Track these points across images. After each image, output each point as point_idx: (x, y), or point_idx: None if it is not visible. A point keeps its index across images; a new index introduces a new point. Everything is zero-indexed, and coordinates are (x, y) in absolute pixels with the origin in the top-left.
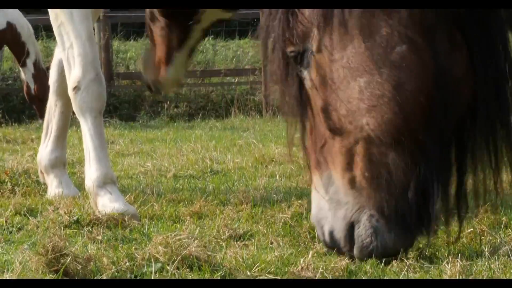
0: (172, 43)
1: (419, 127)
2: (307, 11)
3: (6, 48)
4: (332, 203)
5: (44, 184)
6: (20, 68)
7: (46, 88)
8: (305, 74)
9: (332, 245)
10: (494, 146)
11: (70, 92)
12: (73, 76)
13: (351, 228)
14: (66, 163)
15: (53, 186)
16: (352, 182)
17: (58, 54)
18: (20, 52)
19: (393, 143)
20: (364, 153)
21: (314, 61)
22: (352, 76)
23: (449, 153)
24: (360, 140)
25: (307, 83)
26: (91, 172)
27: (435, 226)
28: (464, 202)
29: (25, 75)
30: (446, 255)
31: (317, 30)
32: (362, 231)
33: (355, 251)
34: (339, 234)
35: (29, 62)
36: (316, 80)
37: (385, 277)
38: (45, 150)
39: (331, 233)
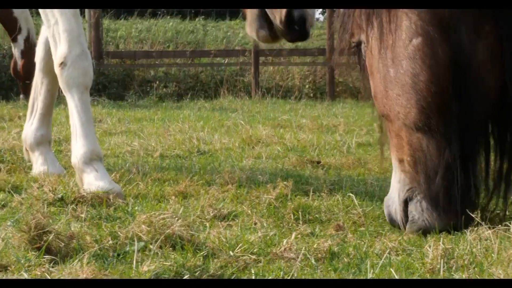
0: None
1: (441, 114)
2: (358, 10)
3: None
4: (395, 182)
5: (29, 162)
6: (12, 44)
7: (32, 65)
8: (367, 64)
9: (394, 223)
10: None
11: (56, 68)
12: (59, 52)
13: (405, 205)
14: (52, 141)
15: (38, 164)
16: (402, 165)
17: (44, 32)
18: (12, 28)
19: (422, 130)
20: (405, 139)
21: (366, 52)
22: (385, 67)
23: (481, 137)
24: (402, 126)
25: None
26: (78, 148)
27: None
28: (505, 182)
29: (15, 50)
30: (429, 238)
31: (365, 25)
32: (412, 209)
33: (407, 226)
34: (398, 211)
35: (20, 39)
36: (368, 69)
37: (367, 259)
38: (30, 127)
39: (395, 210)
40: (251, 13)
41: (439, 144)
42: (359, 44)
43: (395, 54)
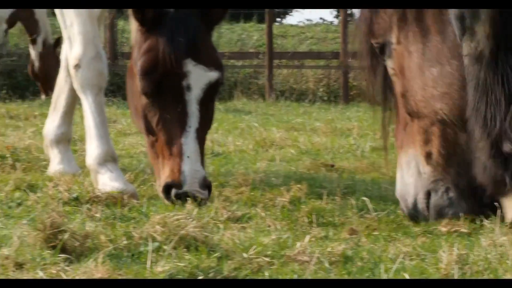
0: None
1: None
2: (387, 10)
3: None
4: (413, 175)
5: (47, 159)
6: (30, 45)
7: (50, 67)
8: (388, 63)
9: (416, 214)
10: None
11: (71, 70)
12: (74, 53)
13: (428, 195)
14: (71, 139)
15: (55, 162)
16: (428, 158)
17: None
18: (33, 29)
19: (463, 125)
20: (439, 133)
21: (395, 52)
22: (426, 66)
23: None
24: (435, 122)
25: (390, 71)
26: (92, 149)
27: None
28: None
29: (33, 52)
30: (443, 244)
31: (396, 25)
32: (440, 201)
33: (431, 215)
34: (420, 200)
35: (39, 40)
36: (396, 69)
37: (381, 264)
38: (51, 124)
39: (415, 202)
40: None
41: (483, 133)
42: (383, 45)
43: (443, 54)
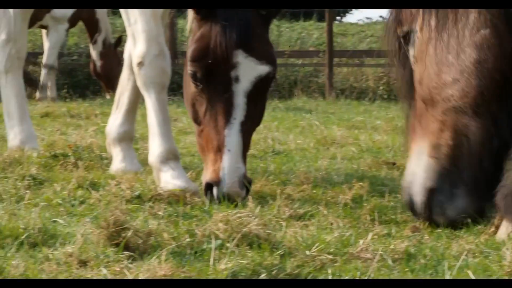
0: None
1: (494, 101)
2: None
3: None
4: (421, 166)
5: (110, 156)
6: (91, 45)
7: (112, 66)
8: (411, 52)
9: (414, 207)
10: None
11: (135, 68)
12: (137, 51)
13: (431, 192)
14: (134, 138)
15: (117, 160)
16: (437, 150)
17: None
18: (94, 29)
19: (473, 115)
20: (450, 123)
21: (417, 39)
22: (442, 53)
23: None
24: (447, 111)
25: (412, 60)
26: (155, 147)
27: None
28: None
29: (93, 52)
30: (506, 241)
31: (420, 13)
32: (442, 197)
33: (436, 214)
34: (420, 201)
35: (99, 40)
36: (417, 56)
37: (444, 261)
38: (114, 122)
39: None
40: None
41: (489, 130)
42: (407, 33)
43: (459, 41)
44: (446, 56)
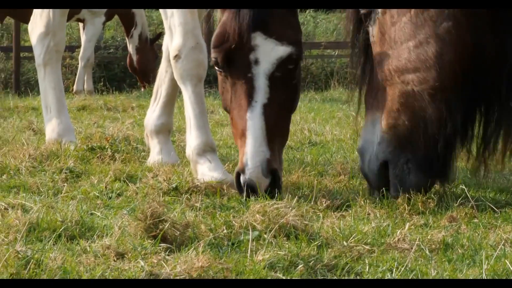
0: None
1: (451, 89)
2: None
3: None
4: (375, 135)
5: (147, 149)
6: (127, 39)
7: (148, 60)
8: (370, 30)
9: (367, 173)
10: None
11: (172, 60)
12: (174, 44)
13: (384, 166)
14: (172, 130)
15: (155, 153)
16: (392, 127)
17: None
18: (129, 23)
19: (430, 101)
20: (407, 104)
21: (378, 20)
22: (404, 39)
23: (474, 115)
24: (405, 93)
25: (371, 38)
26: (192, 140)
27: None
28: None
29: (130, 46)
30: None
31: None
32: (398, 171)
33: (391, 187)
34: (372, 170)
35: (135, 34)
36: (376, 36)
37: (482, 251)
38: (152, 114)
39: (369, 164)
40: None
41: (443, 116)
42: (370, 13)
43: (422, 31)
44: (408, 43)
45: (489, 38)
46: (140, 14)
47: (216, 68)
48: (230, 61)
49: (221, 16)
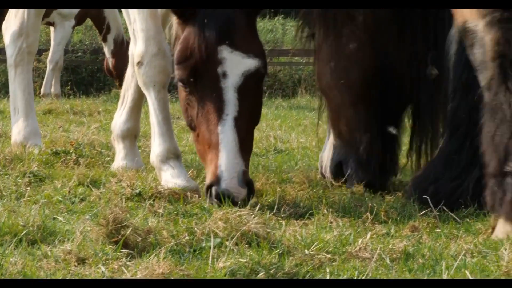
0: None
1: (366, 101)
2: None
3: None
4: (330, 145)
5: (111, 154)
6: (103, 43)
7: (124, 64)
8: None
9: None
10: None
11: (135, 67)
12: (137, 51)
13: (339, 165)
14: (138, 135)
15: (119, 158)
16: (338, 134)
17: None
18: (101, 27)
19: (354, 110)
20: (343, 114)
21: (316, 42)
22: (327, 59)
23: (398, 123)
24: (337, 105)
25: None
26: (155, 147)
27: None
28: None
29: (106, 50)
30: (504, 241)
31: (318, 17)
32: (348, 169)
33: (347, 182)
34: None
35: (110, 38)
36: (315, 56)
37: (442, 261)
38: (119, 118)
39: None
40: None
41: (367, 121)
42: (312, 35)
43: (337, 51)
44: (330, 62)
45: (396, 54)
46: (114, 18)
47: (181, 84)
48: (197, 76)
49: (179, 32)
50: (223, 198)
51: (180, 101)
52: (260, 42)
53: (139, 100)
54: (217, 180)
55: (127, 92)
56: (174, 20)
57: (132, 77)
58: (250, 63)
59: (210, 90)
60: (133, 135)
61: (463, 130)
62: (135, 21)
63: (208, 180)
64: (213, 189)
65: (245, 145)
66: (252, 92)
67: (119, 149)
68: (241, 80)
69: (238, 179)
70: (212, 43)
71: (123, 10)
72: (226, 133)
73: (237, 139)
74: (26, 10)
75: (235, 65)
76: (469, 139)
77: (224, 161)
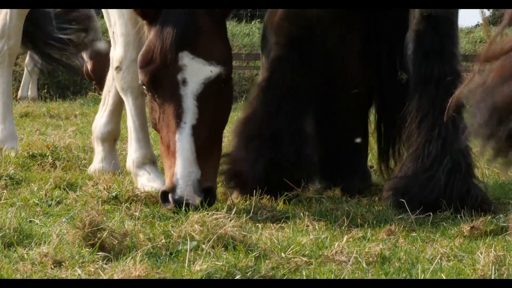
0: None
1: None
2: None
3: None
4: None
5: (88, 157)
6: None
7: (103, 67)
8: None
9: None
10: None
11: (114, 71)
12: (116, 55)
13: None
14: (118, 138)
15: (97, 160)
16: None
17: None
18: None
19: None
20: None
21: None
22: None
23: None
24: None
25: None
26: (132, 152)
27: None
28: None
29: (84, 53)
30: (480, 245)
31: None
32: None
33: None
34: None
35: (87, 42)
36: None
37: (418, 264)
38: (100, 120)
39: None
40: None
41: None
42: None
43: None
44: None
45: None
46: (92, 20)
47: (144, 88)
48: (157, 81)
49: (148, 34)
50: (178, 205)
51: (148, 102)
52: (227, 47)
53: (120, 103)
54: (172, 188)
55: (108, 95)
56: (141, 21)
57: (113, 80)
58: (211, 70)
59: (170, 97)
60: (113, 138)
61: (429, 121)
62: (115, 24)
63: (165, 186)
64: (170, 196)
65: (206, 151)
66: (214, 99)
67: (98, 151)
68: (201, 88)
69: (193, 187)
70: (171, 48)
71: (103, 11)
72: (182, 142)
73: (193, 148)
74: (8, 12)
75: (196, 72)
76: (436, 129)
77: (180, 169)
